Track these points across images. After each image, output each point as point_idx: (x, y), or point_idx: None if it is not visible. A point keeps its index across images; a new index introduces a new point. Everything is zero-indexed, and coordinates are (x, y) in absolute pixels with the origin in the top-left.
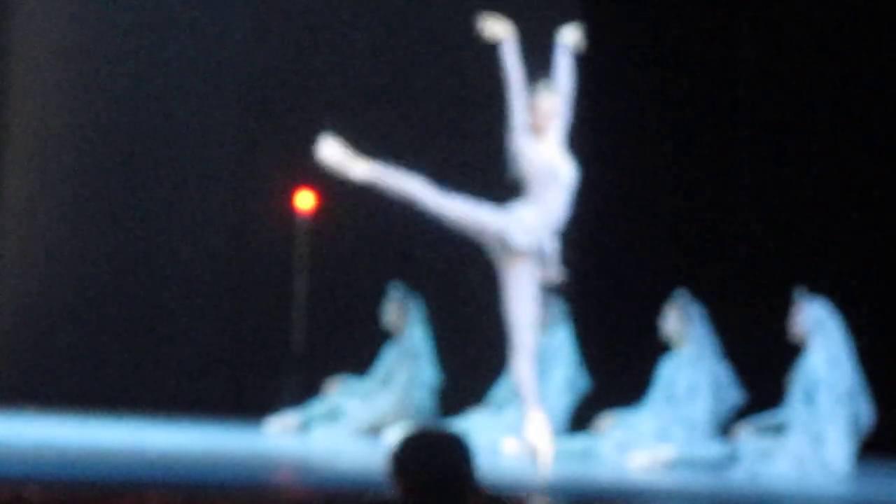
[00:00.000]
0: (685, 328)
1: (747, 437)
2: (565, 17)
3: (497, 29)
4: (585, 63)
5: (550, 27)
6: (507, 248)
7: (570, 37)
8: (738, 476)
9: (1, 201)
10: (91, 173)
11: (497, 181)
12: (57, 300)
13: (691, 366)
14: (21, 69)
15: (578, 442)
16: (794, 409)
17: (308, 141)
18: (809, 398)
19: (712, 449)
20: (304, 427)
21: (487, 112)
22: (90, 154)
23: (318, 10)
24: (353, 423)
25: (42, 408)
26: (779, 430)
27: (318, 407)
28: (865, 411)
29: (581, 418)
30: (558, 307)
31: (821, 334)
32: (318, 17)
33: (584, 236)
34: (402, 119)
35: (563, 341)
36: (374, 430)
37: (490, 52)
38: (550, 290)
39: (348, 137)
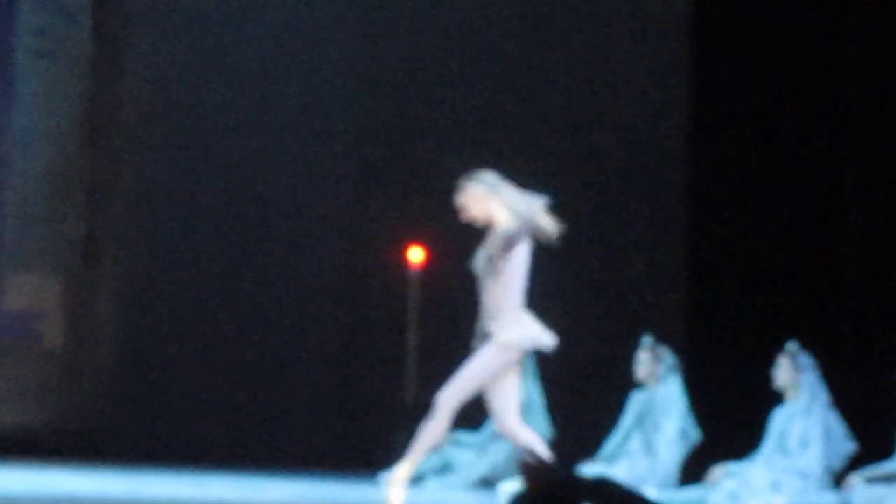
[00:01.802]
0: (797, 378)
1: (860, 486)
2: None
3: None
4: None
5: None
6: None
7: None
8: None
9: (115, 259)
10: (203, 230)
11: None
12: (172, 357)
13: (803, 416)
14: (131, 127)
15: (690, 493)
16: None
17: (418, 197)
18: None
19: (825, 499)
20: (418, 480)
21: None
22: (201, 211)
23: (429, 68)
24: (466, 476)
25: (158, 465)
26: (891, 479)
27: (431, 460)
28: None
29: (692, 470)
30: (669, 359)
31: None
32: (428, 73)
33: (694, 288)
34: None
35: (673, 393)
36: (487, 483)
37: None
38: (660, 342)
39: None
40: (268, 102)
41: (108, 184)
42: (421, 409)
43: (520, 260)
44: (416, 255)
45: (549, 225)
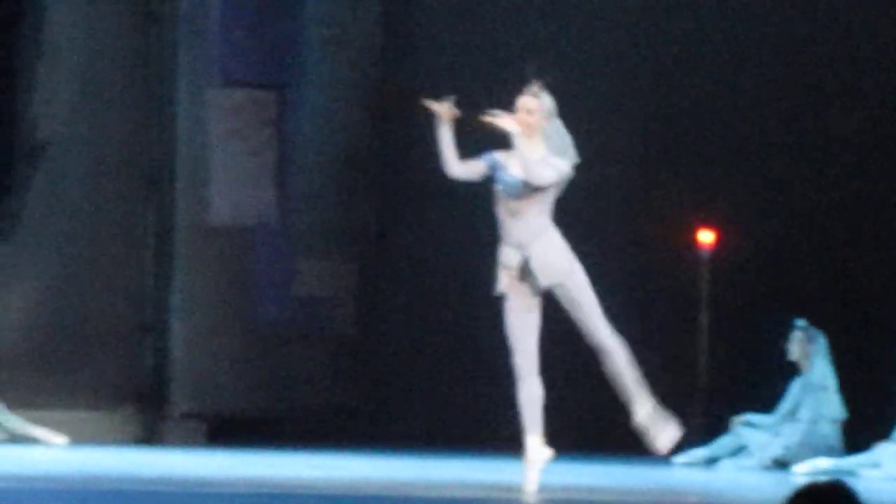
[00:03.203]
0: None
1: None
2: None
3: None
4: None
5: None
6: None
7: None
8: None
9: (403, 244)
10: (482, 215)
11: None
12: (452, 342)
13: None
14: (419, 113)
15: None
16: None
17: (707, 178)
18: None
19: None
20: (711, 462)
21: None
22: (480, 195)
23: (718, 46)
24: (760, 457)
25: (442, 447)
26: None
27: (724, 442)
28: None
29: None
30: (820, 340)
31: None
32: (719, 56)
33: (843, 271)
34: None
35: (824, 374)
36: (781, 465)
37: None
38: (812, 325)
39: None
40: (551, 85)
41: (397, 170)
42: (714, 392)
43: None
44: (706, 236)
45: None
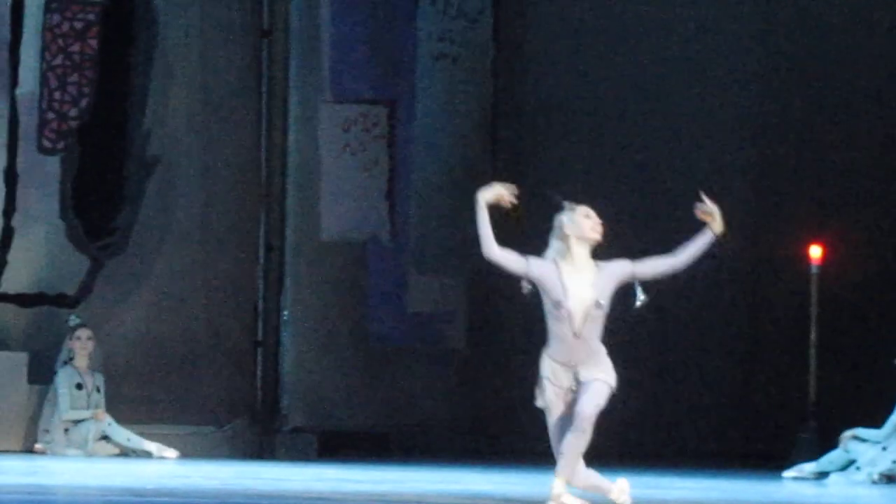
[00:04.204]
0: None
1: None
2: None
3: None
4: None
5: None
6: None
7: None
8: None
9: None
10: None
11: None
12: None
13: None
14: (532, 127)
15: None
16: None
17: (817, 193)
18: None
19: None
20: (820, 476)
21: None
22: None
23: (836, 68)
24: (868, 472)
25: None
26: None
27: (833, 456)
28: None
29: None
30: None
31: None
32: (834, 73)
33: None
34: None
35: None
36: (890, 479)
37: None
38: None
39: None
40: (666, 99)
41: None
42: (823, 405)
43: None
44: (815, 251)
45: None
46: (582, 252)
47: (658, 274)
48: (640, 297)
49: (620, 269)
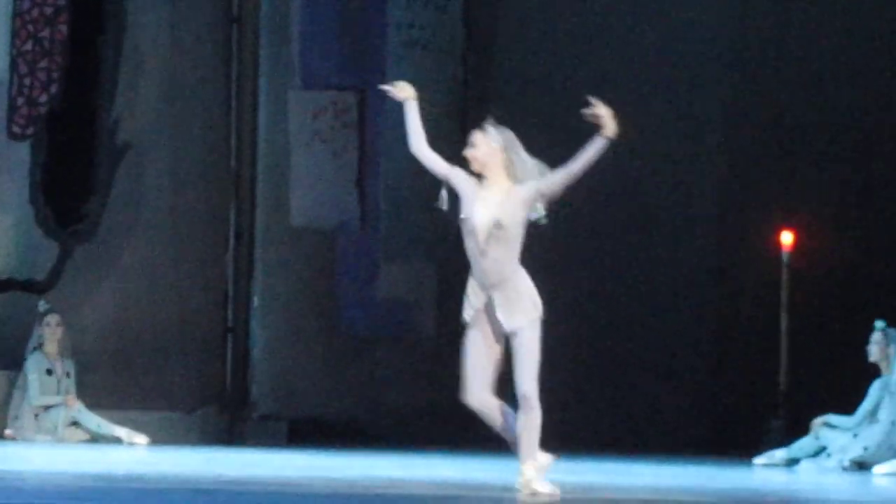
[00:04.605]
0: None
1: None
2: None
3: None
4: None
5: None
6: None
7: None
8: None
9: None
10: (585, 223)
11: None
12: (551, 346)
13: None
14: (496, 117)
15: None
16: None
17: (787, 181)
18: None
19: None
20: (791, 463)
21: None
22: (583, 202)
23: (807, 54)
24: (839, 459)
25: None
26: None
27: (804, 443)
28: None
29: None
30: None
31: None
32: (805, 60)
33: None
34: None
35: None
36: (861, 466)
37: None
38: (891, 326)
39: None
40: (636, 83)
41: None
42: (794, 393)
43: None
44: (786, 238)
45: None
46: (495, 176)
47: (560, 185)
48: (538, 214)
49: (526, 191)
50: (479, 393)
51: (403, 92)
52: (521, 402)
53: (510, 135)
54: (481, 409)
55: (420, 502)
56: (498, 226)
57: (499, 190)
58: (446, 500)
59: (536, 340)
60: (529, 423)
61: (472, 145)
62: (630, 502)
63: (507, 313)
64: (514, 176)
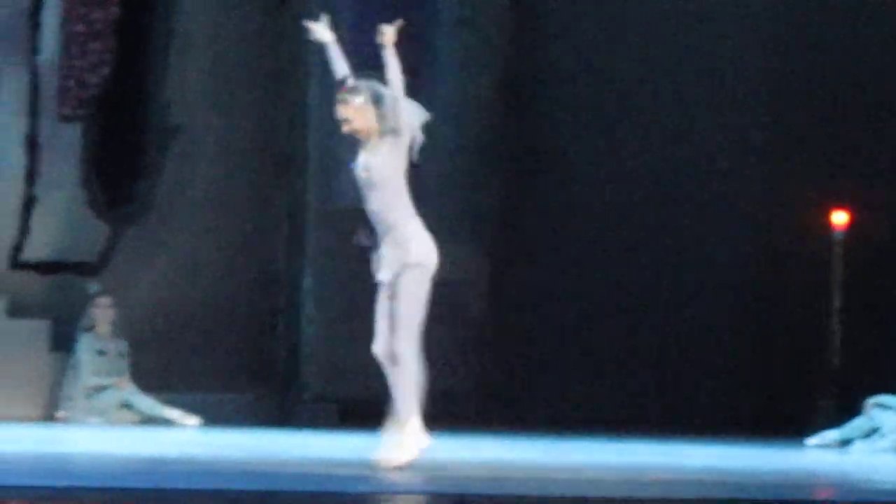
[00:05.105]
0: None
1: None
2: None
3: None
4: None
5: None
6: None
7: (387, 37)
8: None
9: (534, 226)
10: (620, 194)
11: None
12: (588, 324)
13: None
14: (551, 94)
15: None
16: None
17: (840, 159)
18: None
19: None
20: (844, 444)
21: None
22: (618, 176)
23: (853, 29)
24: (892, 439)
25: (574, 430)
26: None
27: (856, 424)
28: None
29: None
30: None
31: None
32: (852, 34)
33: None
34: None
35: None
36: None
37: None
38: None
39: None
40: (685, 63)
41: (528, 151)
42: (846, 373)
43: (404, 167)
44: (839, 217)
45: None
46: (369, 130)
47: (398, 107)
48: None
49: (389, 137)
50: (381, 346)
51: (324, 34)
52: (398, 361)
53: (375, 85)
54: (382, 363)
55: (465, 484)
56: (367, 173)
57: (377, 144)
58: (495, 482)
59: (413, 294)
60: (400, 382)
61: (345, 120)
62: (685, 483)
63: (386, 263)
64: (390, 126)
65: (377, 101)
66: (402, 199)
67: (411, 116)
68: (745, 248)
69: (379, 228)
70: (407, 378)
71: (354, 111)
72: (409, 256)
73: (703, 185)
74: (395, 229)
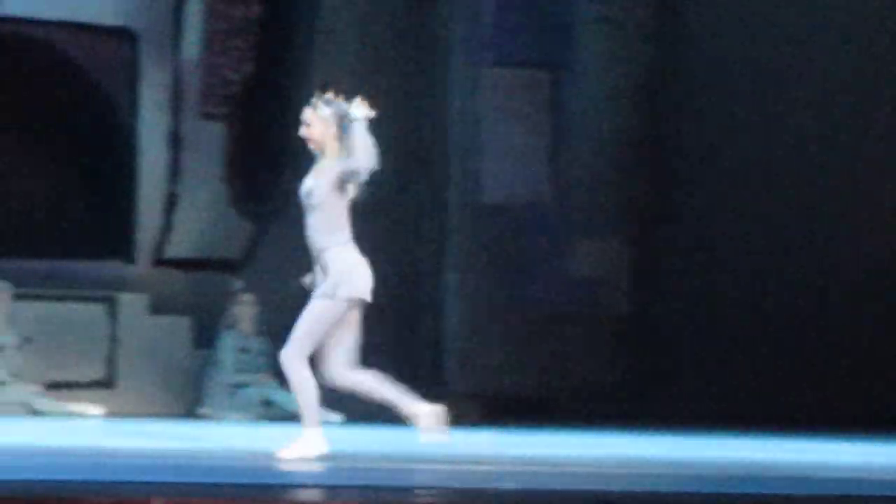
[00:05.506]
0: None
1: None
2: None
3: None
4: None
5: None
6: None
7: (359, 111)
8: None
9: (680, 222)
10: (760, 190)
11: None
12: (728, 320)
13: None
14: (692, 91)
15: None
16: None
17: None
18: None
19: None
20: None
21: None
22: (760, 173)
23: None
24: None
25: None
26: None
27: None
28: None
29: None
30: None
31: None
32: None
33: None
34: None
35: None
36: None
37: None
38: None
39: None
40: (828, 64)
41: (671, 147)
42: None
43: (347, 197)
44: None
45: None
46: (330, 150)
47: (363, 148)
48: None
49: (336, 169)
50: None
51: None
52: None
53: (343, 107)
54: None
55: (609, 481)
56: (308, 195)
57: (325, 166)
58: (639, 477)
59: (315, 316)
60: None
61: (305, 124)
62: (830, 481)
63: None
64: (346, 149)
65: (342, 124)
66: (336, 225)
67: (366, 154)
68: (892, 245)
69: (312, 251)
70: (294, 385)
71: (318, 119)
72: (329, 287)
73: (848, 181)
74: (325, 254)
